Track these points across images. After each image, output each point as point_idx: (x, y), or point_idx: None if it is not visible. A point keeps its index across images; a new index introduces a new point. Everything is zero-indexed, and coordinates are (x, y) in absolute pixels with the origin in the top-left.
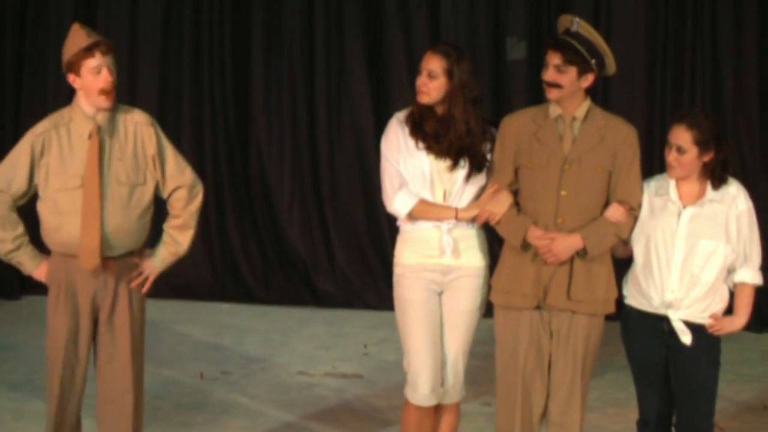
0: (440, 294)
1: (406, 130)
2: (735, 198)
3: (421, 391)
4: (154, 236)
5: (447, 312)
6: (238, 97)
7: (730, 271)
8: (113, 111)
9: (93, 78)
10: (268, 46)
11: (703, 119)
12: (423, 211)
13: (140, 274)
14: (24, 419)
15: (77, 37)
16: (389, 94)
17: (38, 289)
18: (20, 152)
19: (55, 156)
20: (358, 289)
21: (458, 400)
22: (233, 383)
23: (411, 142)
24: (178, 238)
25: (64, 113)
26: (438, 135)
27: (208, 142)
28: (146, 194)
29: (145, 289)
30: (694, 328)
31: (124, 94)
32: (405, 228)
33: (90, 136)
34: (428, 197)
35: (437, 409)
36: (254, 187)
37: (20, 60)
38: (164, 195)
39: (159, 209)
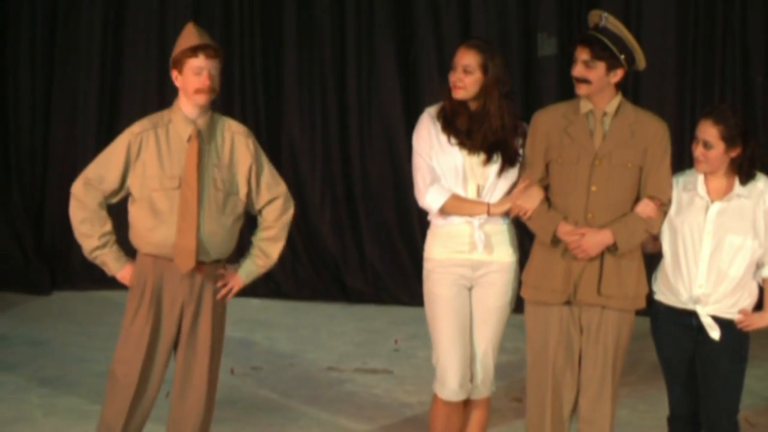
0: (470, 289)
1: (438, 125)
2: (763, 193)
3: (449, 386)
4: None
5: (477, 307)
6: (269, 94)
7: (759, 266)
8: (213, 118)
9: (193, 77)
10: (299, 43)
11: (730, 115)
12: (455, 206)
13: (225, 285)
14: (55, 415)
15: (188, 36)
16: (420, 91)
17: (68, 285)
18: (116, 149)
19: (153, 155)
20: (388, 285)
21: (488, 396)
22: (263, 379)
23: (443, 137)
24: (268, 250)
25: (164, 114)
26: (471, 130)
27: None
28: (239, 204)
29: (228, 298)
30: (723, 324)
31: (155, 93)
32: (436, 223)
33: (189, 139)
34: (461, 192)
35: (467, 405)
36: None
37: (51, 59)
38: (257, 206)
39: (246, 223)
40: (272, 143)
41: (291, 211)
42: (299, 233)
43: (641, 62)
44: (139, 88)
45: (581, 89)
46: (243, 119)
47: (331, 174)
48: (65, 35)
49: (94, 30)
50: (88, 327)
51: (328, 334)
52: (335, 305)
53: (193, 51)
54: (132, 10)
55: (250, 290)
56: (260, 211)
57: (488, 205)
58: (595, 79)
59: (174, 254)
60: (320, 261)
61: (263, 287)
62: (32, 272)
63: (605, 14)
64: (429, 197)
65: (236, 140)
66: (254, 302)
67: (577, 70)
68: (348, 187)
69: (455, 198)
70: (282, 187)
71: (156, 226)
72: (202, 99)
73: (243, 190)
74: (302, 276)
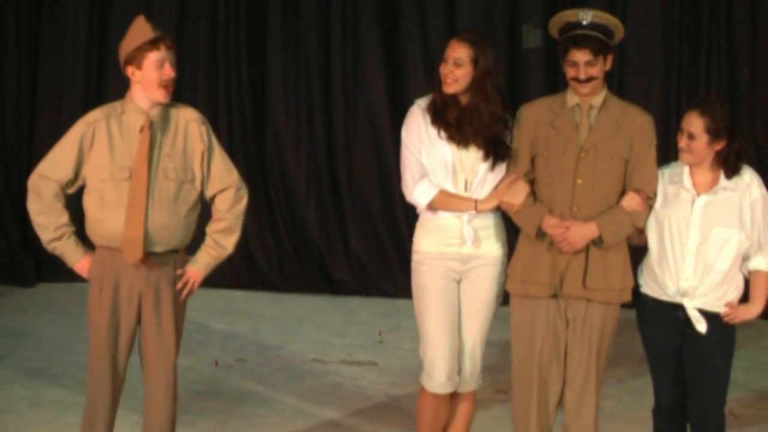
0: (458, 282)
1: (428, 118)
2: (749, 186)
3: (437, 378)
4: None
5: (466, 300)
6: (254, 86)
7: (745, 258)
8: (166, 107)
9: (155, 71)
10: (284, 34)
11: (718, 108)
12: (443, 202)
13: (186, 283)
14: (40, 407)
15: (143, 30)
16: (405, 82)
17: (53, 276)
18: (69, 139)
19: (104, 146)
20: (374, 277)
21: (475, 389)
22: (248, 371)
23: (433, 131)
24: (222, 241)
25: (116, 105)
26: (461, 124)
27: (224, 130)
28: (192, 192)
29: (189, 293)
30: (709, 317)
31: None
32: (425, 216)
33: (141, 130)
34: (450, 187)
35: (453, 397)
36: (270, 175)
37: (36, 51)
38: (208, 194)
39: (203, 211)
40: (258, 136)
41: (244, 201)
42: (284, 225)
43: (620, 33)
44: (125, 81)
45: (586, 88)
46: (228, 112)
47: (317, 166)
48: (50, 28)
49: (79, 23)
50: (73, 318)
51: (313, 325)
52: (320, 297)
53: (153, 43)
54: (118, 2)
55: (235, 282)
56: (212, 200)
57: (476, 201)
58: (599, 74)
59: (122, 245)
60: (306, 252)
61: (248, 279)
62: (17, 264)
63: (581, 12)
64: (417, 192)
65: (189, 127)
66: (238, 294)
67: (583, 73)
68: (333, 178)
69: (443, 194)
70: (234, 176)
71: (104, 218)
72: (165, 95)
73: (198, 177)
74: (287, 267)
